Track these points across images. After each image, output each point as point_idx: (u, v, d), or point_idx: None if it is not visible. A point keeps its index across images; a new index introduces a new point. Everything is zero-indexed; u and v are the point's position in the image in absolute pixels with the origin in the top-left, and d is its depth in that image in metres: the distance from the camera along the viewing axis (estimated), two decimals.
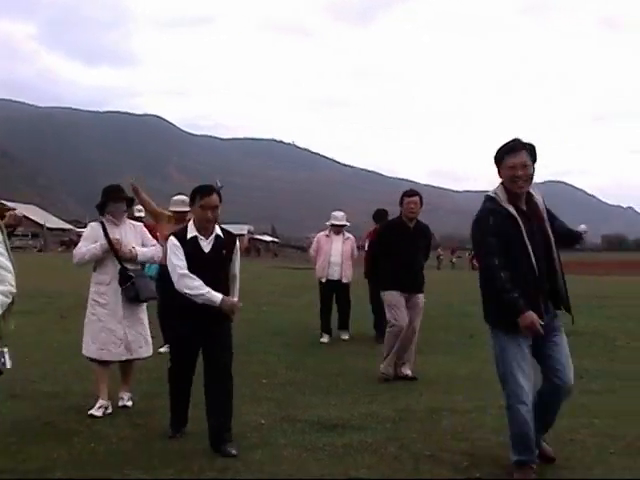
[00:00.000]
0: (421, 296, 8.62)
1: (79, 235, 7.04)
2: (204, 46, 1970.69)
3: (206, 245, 5.70)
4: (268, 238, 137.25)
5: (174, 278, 5.60)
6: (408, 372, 8.48)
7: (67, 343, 9.65)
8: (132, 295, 6.67)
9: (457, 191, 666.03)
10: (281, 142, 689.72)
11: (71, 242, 65.09)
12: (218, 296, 5.55)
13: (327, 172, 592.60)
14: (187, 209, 8.54)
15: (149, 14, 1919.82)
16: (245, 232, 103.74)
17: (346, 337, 11.73)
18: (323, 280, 11.80)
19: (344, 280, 11.71)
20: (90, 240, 6.76)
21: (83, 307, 6.93)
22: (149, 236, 7.13)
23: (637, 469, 5.11)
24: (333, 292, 11.87)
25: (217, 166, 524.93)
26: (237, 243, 5.96)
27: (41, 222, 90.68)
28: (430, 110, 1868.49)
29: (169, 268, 5.67)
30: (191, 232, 5.73)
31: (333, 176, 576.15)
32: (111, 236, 6.71)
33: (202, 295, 5.54)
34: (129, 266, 6.75)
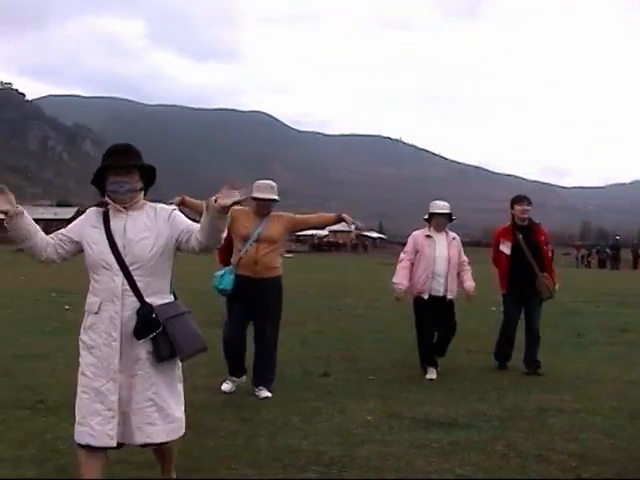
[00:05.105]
0: None
1: None
2: (310, 42, 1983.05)
3: None
4: (375, 234, 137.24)
5: None
6: None
7: None
8: (166, 354, 3.92)
9: (565, 187, 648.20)
10: (388, 138, 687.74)
11: None
12: None
13: (434, 168, 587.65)
14: (275, 197, 7.06)
15: (255, 10, 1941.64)
16: (352, 228, 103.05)
17: (433, 376, 8.21)
18: (425, 297, 8.25)
19: (449, 296, 8.31)
20: (69, 232, 4.09)
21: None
22: (185, 221, 4.06)
23: None
24: (436, 313, 8.30)
25: (323, 162, 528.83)
26: None
27: None
28: (537, 105, 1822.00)
29: None
30: None
31: (440, 172, 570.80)
32: (113, 228, 3.98)
33: None
34: (153, 299, 3.92)
